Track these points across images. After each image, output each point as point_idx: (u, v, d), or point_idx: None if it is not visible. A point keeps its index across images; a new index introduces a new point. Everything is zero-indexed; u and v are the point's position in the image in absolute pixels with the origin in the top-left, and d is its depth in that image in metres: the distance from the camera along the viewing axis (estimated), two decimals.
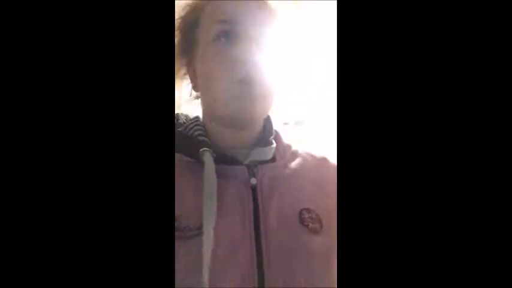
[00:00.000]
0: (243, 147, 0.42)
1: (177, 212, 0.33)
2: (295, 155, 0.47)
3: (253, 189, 0.39)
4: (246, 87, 0.38)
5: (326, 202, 0.40)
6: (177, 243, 0.32)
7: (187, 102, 0.49)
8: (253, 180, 0.39)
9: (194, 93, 0.47)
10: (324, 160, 0.48)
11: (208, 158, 0.37)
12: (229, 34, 0.38)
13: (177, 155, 0.39)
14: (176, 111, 0.48)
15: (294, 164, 0.45)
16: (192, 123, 0.45)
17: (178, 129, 0.44)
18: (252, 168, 0.40)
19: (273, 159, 0.43)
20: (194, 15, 0.42)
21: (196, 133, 0.43)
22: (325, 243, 0.37)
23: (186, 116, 0.49)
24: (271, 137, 0.45)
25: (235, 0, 0.39)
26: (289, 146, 0.48)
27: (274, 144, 0.44)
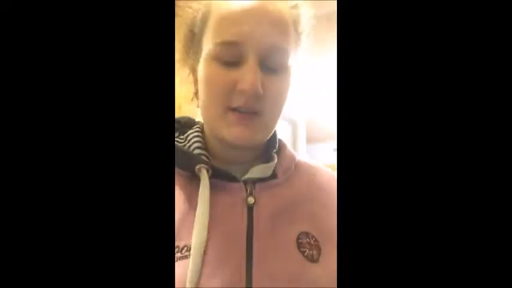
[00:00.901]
0: (242, 162, 0.40)
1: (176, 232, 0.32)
2: (300, 167, 0.44)
3: (250, 208, 0.36)
4: (243, 115, 0.35)
5: (329, 224, 0.37)
6: (176, 264, 0.31)
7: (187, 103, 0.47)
8: (251, 200, 0.36)
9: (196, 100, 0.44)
10: (332, 174, 0.45)
11: (204, 176, 0.35)
12: (230, 54, 0.34)
13: (176, 169, 0.37)
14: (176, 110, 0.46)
15: (297, 180, 0.42)
16: (193, 133, 0.43)
17: (178, 141, 0.42)
18: (250, 186, 0.38)
19: (274, 176, 0.40)
20: (204, 16, 0.38)
21: (194, 145, 0.41)
22: (320, 273, 0.33)
23: (189, 119, 0.47)
24: (274, 151, 0.42)
25: (246, 17, 0.34)
26: (293, 159, 0.44)
27: (276, 160, 0.41)
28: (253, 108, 0.35)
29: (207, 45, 0.36)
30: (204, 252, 0.31)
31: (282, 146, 0.44)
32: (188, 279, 0.29)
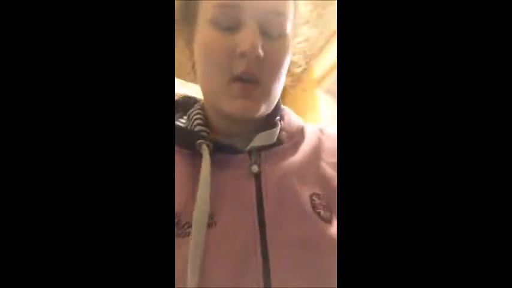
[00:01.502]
0: (246, 133, 0.39)
1: (176, 208, 0.32)
2: (307, 132, 0.43)
3: (257, 177, 0.35)
4: (245, 85, 0.34)
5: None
6: (176, 241, 0.30)
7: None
8: (255, 168, 0.36)
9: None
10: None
11: (204, 151, 0.35)
12: (229, 19, 0.33)
13: (176, 147, 0.37)
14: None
15: (304, 144, 0.41)
16: (194, 111, 0.42)
17: (182, 121, 0.42)
18: (255, 155, 0.37)
19: (280, 142, 0.39)
20: None
21: (195, 123, 0.40)
22: (333, 234, 0.32)
23: (188, 97, 0.46)
24: (277, 118, 0.42)
25: None
26: (298, 124, 0.44)
27: (279, 126, 0.40)
28: (255, 74, 0.34)
29: (204, 9, 0.35)
30: (213, 224, 0.31)
31: (286, 113, 0.44)
32: (190, 256, 0.29)
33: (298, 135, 0.42)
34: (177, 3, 0.38)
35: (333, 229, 0.33)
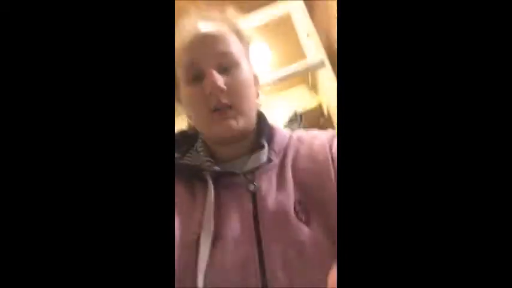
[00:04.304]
0: (240, 156, 0.48)
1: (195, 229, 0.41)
2: (295, 142, 0.51)
3: (253, 195, 0.43)
4: (221, 112, 0.44)
5: (318, 192, 0.43)
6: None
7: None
8: (251, 187, 0.44)
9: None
10: (318, 139, 0.50)
11: (209, 179, 0.44)
12: (193, 75, 0.45)
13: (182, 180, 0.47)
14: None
15: (291, 155, 0.48)
16: (199, 143, 0.52)
17: (190, 156, 0.51)
18: (250, 175, 0.45)
19: (270, 160, 0.47)
20: (176, 62, 0.50)
21: (201, 154, 0.50)
22: (313, 235, 0.39)
23: (186, 132, 0.55)
24: (263, 138, 0.49)
25: (193, 45, 0.46)
26: (284, 139, 0.51)
27: (265, 147, 0.48)
28: (225, 102, 0.44)
29: (180, 74, 0.47)
30: (219, 238, 0.40)
31: (273, 132, 0.52)
32: (198, 264, 0.37)
33: (284, 150, 0.50)
34: None
35: (311, 231, 0.40)
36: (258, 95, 0.52)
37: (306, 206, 0.42)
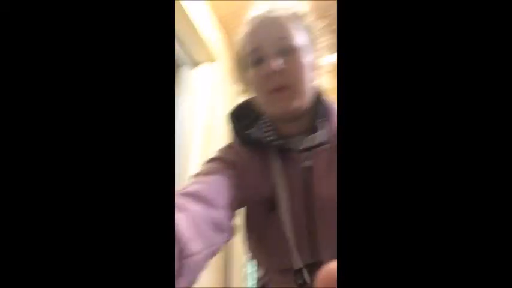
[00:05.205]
0: (299, 134, 0.54)
1: (251, 190, 0.52)
2: None
3: (309, 170, 0.51)
4: (279, 92, 0.49)
5: None
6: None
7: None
8: (307, 163, 0.51)
9: None
10: None
11: (272, 154, 0.53)
12: (257, 58, 0.51)
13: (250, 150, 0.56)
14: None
15: None
16: (265, 118, 0.58)
17: (261, 126, 0.58)
18: (307, 153, 0.52)
19: (326, 141, 0.52)
20: (240, 47, 0.57)
21: (267, 128, 0.56)
22: None
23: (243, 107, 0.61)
24: (319, 120, 0.54)
25: (256, 32, 0.52)
26: None
27: (319, 130, 0.53)
28: (282, 82, 0.49)
29: (247, 59, 0.54)
30: (276, 205, 0.50)
31: (330, 113, 0.56)
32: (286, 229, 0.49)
33: None
34: (236, 57, 0.59)
35: None
36: (317, 77, 0.56)
37: None
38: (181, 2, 1.15)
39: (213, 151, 0.60)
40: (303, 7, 0.56)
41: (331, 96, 0.57)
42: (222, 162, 0.54)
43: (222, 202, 0.46)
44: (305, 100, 0.52)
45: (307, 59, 0.52)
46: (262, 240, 0.53)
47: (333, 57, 0.55)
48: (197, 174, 0.51)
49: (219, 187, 0.48)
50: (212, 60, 1.46)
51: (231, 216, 0.49)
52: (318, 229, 0.47)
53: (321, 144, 0.52)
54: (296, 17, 0.54)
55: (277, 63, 0.49)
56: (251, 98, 0.60)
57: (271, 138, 0.55)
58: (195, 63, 1.44)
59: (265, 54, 0.51)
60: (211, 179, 0.49)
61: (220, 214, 0.45)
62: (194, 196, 0.43)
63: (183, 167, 1.16)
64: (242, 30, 0.55)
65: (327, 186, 0.48)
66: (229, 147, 0.59)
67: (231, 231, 0.48)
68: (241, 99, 0.62)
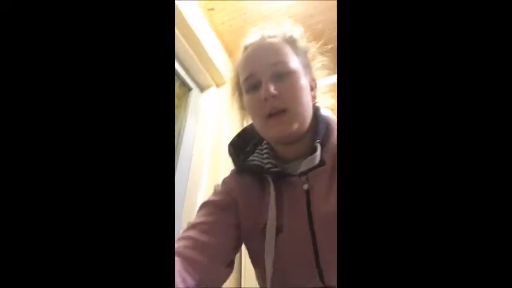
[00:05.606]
0: (298, 157, 0.53)
1: (251, 220, 0.51)
2: None
3: (308, 192, 0.49)
4: (275, 117, 0.50)
5: None
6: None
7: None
8: (305, 186, 0.50)
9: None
10: None
11: (269, 181, 0.52)
12: (253, 85, 0.52)
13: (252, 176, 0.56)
14: None
15: None
16: (264, 144, 0.59)
17: (258, 153, 0.58)
18: (305, 176, 0.51)
19: (323, 163, 0.50)
20: (236, 74, 0.58)
21: (265, 155, 0.56)
22: None
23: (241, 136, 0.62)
24: (317, 141, 0.53)
25: (251, 59, 0.53)
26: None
27: (318, 150, 0.51)
28: (279, 106, 0.49)
29: (242, 85, 0.55)
30: (281, 231, 0.48)
31: (329, 132, 0.55)
32: (266, 254, 0.46)
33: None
34: (232, 84, 0.60)
35: None
36: (314, 98, 0.57)
37: None
38: (192, 30, 1.22)
39: (220, 174, 0.61)
40: (297, 30, 0.57)
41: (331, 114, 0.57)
42: (215, 207, 0.53)
43: (224, 258, 0.48)
44: (304, 122, 0.52)
45: (303, 81, 0.52)
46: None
47: (331, 79, 0.57)
48: (193, 226, 0.50)
49: (219, 240, 0.48)
50: (219, 85, 1.51)
51: (234, 257, 0.51)
52: (320, 251, 0.45)
53: (320, 164, 0.51)
54: (291, 41, 0.55)
55: (272, 88, 0.49)
56: (249, 126, 0.60)
57: (270, 164, 0.55)
58: (203, 88, 1.49)
59: (260, 80, 0.51)
60: (210, 233, 0.48)
61: (222, 267, 0.48)
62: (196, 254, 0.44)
63: (193, 191, 1.16)
64: (238, 57, 0.57)
65: (327, 209, 0.47)
66: (223, 183, 0.59)
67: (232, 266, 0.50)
68: (246, 123, 0.63)
